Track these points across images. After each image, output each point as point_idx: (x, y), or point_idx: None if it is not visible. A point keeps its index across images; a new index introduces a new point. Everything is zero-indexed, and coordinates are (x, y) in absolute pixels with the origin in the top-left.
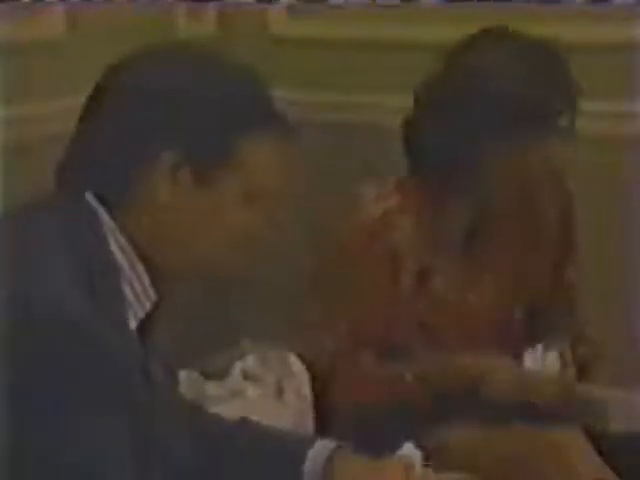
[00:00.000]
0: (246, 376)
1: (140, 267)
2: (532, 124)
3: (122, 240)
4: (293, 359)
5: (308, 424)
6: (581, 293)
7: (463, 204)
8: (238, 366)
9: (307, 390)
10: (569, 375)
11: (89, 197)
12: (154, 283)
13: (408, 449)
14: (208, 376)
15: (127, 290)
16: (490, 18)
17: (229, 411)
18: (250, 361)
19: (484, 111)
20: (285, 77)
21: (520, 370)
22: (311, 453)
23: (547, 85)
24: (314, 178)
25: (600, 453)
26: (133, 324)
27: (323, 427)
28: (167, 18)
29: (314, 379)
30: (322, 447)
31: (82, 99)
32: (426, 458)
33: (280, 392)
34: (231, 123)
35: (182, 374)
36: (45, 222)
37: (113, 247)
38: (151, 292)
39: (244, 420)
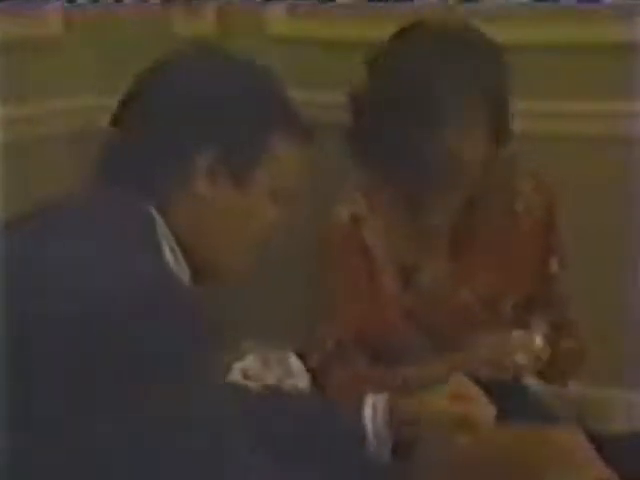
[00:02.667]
0: (246, 376)
1: (183, 262)
2: (457, 113)
3: (170, 238)
4: (293, 359)
5: None
6: (578, 293)
7: (442, 201)
8: (238, 366)
9: (307, 390)
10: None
11: (143, 201)
12: None
13: None
14: None
15: None
16: (489, 18)
17: None
18: (250, 361)
19: (413, 108)
20: (285, 77)
21: (504, 336)
22: (369, 399)
23: (465, 74)
24: (313, 178)
25: (600, 453)
26: None
27: None
28: (166, 18)
29: (314, 379)
30: (375, 396)
31: (81, 99)
32: None
33: None
34: (263, 122)
35: None
36: (98, 222)
37: (165, 246)
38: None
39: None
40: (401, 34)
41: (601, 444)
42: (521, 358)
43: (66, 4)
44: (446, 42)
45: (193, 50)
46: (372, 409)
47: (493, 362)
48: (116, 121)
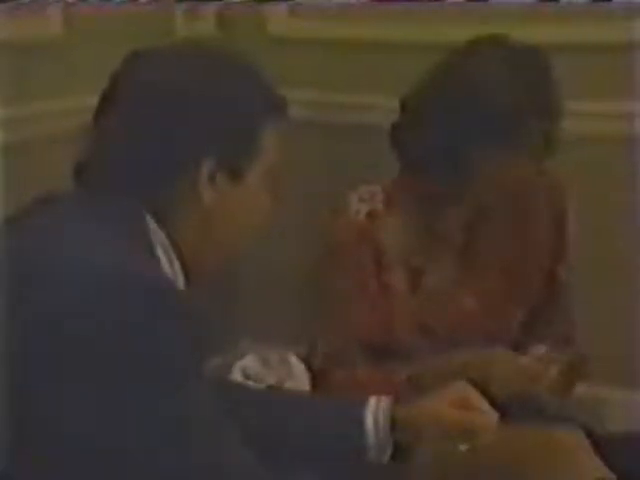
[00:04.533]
0: (247, 376)
1: (177, 266)
2: (517, 131)
3: (166, 243)
4: (294, 359)
5: None
6: (579, 293)
7: (456, 206)
8: (238, 366)
9: (307, 390)
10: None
11: (134, 202)
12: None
13: None
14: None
15: None
16: (490, 18)
17: None
18: (250, 361)
19: (472, 117)
20: (285, 77)
21: (518, 364)
22: (370, 405)
23: (532, 94)
24: (314, 178)
25: (600, 453)
26: None
27: None
28: (166, 18)
29: (314, 379)
30: (377, 400)
31: (81, 99)
32: None
33: None
34: (254, 117)
35: None
36: (89, 223)
37: (159, 251)
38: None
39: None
40: (474, 44)
41: (601, 444)
42: (533, 388)
43: (67, 4)
44: (519, 61)
45: (175, 48)
46: (373, 414)
47: (505, 385)
48: (99, 119)
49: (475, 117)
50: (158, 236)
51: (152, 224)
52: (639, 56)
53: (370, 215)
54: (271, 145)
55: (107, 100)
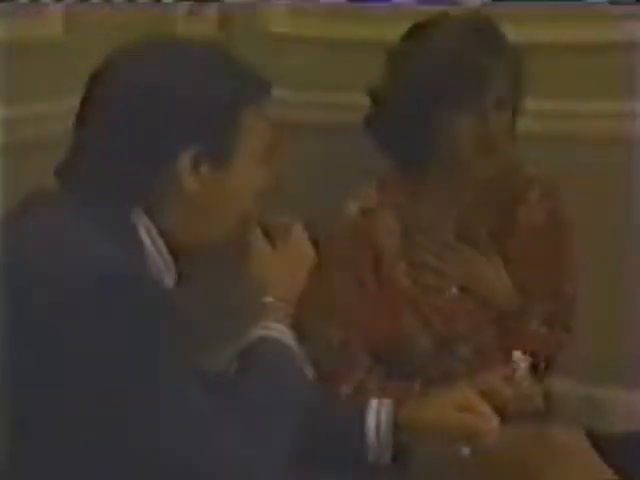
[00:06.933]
0: None
1: (169, 259)
2: (479, 96)
3: (155, 235)
4: None
5: None
6: (579, 294)
7: (450, 200)
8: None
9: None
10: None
11: (120, 196)
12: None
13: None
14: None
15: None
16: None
17: None
18: None
19: (434, 94)
20: (285, 77)
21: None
22: (372, 407)
23: (488, 58)
24: (313, 178)
25: (600, 453)
26: None
27: None
28: (167, 18)
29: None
30: (379, 402)
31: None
32: None
33: None
34: (231, 103)
35: None
36: (78, 215)
37: (143, 236)
38: (172, 276)
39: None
40: (427, 22)
41: (601, 444)
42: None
43: (67, 4)
44: (474, 28)
45: (145, 45)
46: (375, 415)
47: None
48: (81, 121)
49: (439, 85)
50: (147, 229)
51: (142, 218)
52: (639, 56)
53: (364, 214)
54: (254, 125)
55: (87, 100)
